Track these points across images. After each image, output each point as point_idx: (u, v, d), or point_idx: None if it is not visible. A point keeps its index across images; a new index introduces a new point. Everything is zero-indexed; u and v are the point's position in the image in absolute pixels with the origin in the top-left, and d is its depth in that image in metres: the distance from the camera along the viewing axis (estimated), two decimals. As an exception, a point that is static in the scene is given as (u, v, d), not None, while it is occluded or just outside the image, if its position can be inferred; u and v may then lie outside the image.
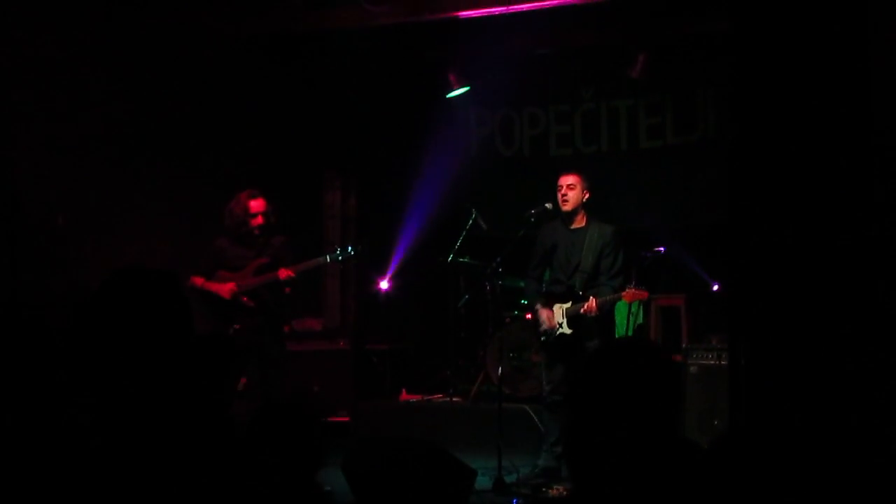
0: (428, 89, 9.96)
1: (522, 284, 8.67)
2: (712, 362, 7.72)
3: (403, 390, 9.38)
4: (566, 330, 6.87)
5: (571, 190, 6.92)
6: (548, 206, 7.05)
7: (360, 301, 10.18)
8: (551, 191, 7.13)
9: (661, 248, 8.40)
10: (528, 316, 8.77)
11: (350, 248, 7.26)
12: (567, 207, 6.94)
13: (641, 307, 8.92)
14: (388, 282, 9.96)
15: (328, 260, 7.31)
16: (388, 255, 9.98)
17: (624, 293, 6.77)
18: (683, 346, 8.32)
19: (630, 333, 8.63)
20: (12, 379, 3.21)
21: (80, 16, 7.83)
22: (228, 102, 9.10)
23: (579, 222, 6.99)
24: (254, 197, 7.01)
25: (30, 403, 2.30)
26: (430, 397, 9.25)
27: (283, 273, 6.92)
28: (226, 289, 6.95)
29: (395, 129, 10.15)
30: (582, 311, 6.77)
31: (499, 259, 7.43)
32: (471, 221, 9.10)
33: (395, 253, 9.96)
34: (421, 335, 10.21)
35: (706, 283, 8.91)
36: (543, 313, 7.01)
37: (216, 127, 9.04)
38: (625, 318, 8.59)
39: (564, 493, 6.56)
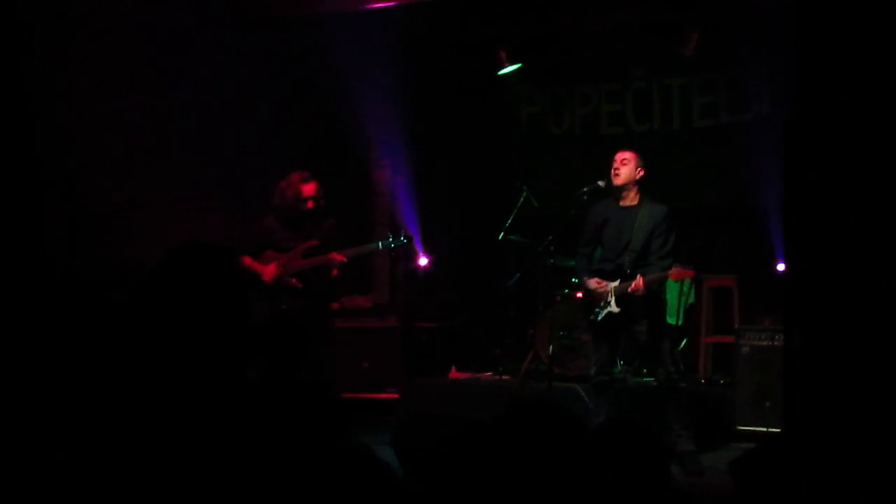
0: (479, 66, 9.93)
1: (573, 263, 8.66)
2: (765, 343, 7.67)
3: (453, 368, 9.38)
4: (614, 308, 6.82)
5: (625, 165, 6.85)
6: (600, 183, 7.00)
7: (410, 279, 10.20)
8: (603, 169, 7.08)
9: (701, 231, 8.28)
10: (579, 295, 8.74)
11: (402, 236, 7.27)
12: (618, 182, 6.88)
13: (693, 288, 8.85)
14: (426, 258, 9.92)
15: (380, 247, 7.34)
16: (436, 233, 9.96)
17: (670, 271, 6.71)
18: (735, 326, 8.26)
19: (681, 314, 8.56)
20: (75, 355, 3.26)
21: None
22: (279, 81, 9.13)
23: (631, 200, 6.91)
24: (306, 181, 6.99)
25: (92, 378, 2.33)
26: (479, 375, 9.24)
27: (335, 256, 6.92)
28: (269, 271, 6.95)
29: (445, 106, 10.12)
30: (629, 289, 6.72)
31: (550, 238, 7.40)
32: (521, 200, 9.07)
33: (438, 231, 9.91)
34: (471, 313, 10.19)
35: (759, 263, 8.80)
36: (592, 281, 6.95)
37: (267, 105, 9.07)
38: (676, 299, 8.52)
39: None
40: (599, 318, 6.88)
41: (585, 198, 7.07)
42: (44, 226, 7.12)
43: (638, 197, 6.91)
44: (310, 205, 6.99)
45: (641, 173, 6.88)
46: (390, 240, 7.25)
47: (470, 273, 10.27)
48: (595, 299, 6.92)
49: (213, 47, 8.57)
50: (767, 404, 7.43)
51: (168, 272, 2.30)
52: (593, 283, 6.93)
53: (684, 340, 8.80)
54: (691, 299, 8.86)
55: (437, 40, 9.63)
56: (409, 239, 7.32)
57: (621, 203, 6.93)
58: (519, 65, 9.74)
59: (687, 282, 8.46)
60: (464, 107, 10.16)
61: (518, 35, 9.60)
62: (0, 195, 6.69)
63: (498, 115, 10.47)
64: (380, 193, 10.38)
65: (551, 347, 7.54)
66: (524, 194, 9.07)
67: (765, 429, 7.34)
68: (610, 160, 7.01)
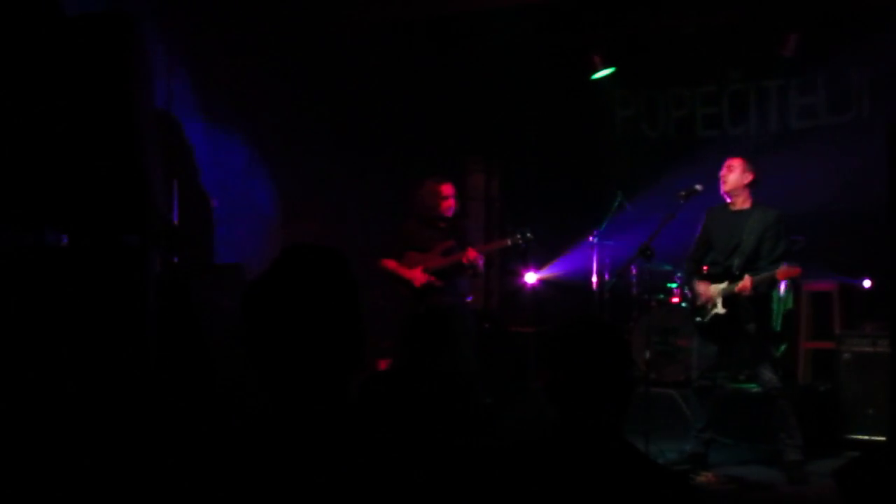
0: (572, 71, 9.90)
1: (668, 268, 8.58)
2: (867, 349, 7.50)
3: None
4: (720, 310, 6.75)
5: (731, 171, 6.78)
6: (698, 187, 6.92)
7: (505, 283, 10.19)
8: (698, 172, 7.00)
9: (800, 237, 8.06)
10: (675, 300, 8.66)
11: (528, 233, 7.50)
12: (725, 188, 6.81)
13: (791, 293, 8.70)
14: (537, 273, 9.87)
15: (511, 243, 7.60)
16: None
17: (778, 270, 6.59)
18: (836, 332, 8.10)
19: (780, 319, 8.42)
20: (180, 357, 3.33)
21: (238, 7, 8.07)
22: (374, 89, 9.21)
23: (742, 204, 6.81)
24: (444, 182, 7.39)
25: (204, 384, 2.36)
26: (574, 381, 9.18)
27: (472, 253, 7.25)
28: (417, 276, 7.32)
29: (539, 111, 10.11)
30: (736, 289, 6.64)
31: (645, 242, 7.33)
32: (616, 204, 9.00)
33: (551, 256, 9.83)
34: (565, 319, 10.13)
35: (857, 274, 8.59)
36: (700, 285, 6.91)
37: (363, 114, 9.17)
38: (774, 304, 8.37)
39: (713, 479, 6.48)
40: (706, 319, 6.82)
41: (682, 202, 7.00)
42: (146, 233, 7.29)
43: (750, 201, 6.81)
44: (451, 202, 7.39)
45: (750, 178, 6.77)
46: (519, 237, 7.50)
47: (565, 278, 10.21)
48: (702, 303, 6.87)
49: (310, 57, 8.69)
50: (871, 412, 7.28)
51: (280, 275, 2.28)
52: (702, 286, 6.88)
53: (783, 346, 8.66)
54: (790, 304, 8.71)
55: (531, 44, 9.61)
56: (533, 236, 7.54)
57: (732, 208, 6.85)
58: (613, 69, 9.69)
59: (785, 287, 8.33)
60: (558, 111, 10.14)
61: (612, 38, 9.55)
62: (101, 201, 6.85)
63: (592, 119, 10.42)
64: (475, 199, 10.41)
65: (647, 353, 7.48)
66: (619, 198, 9.01)
67: (868, 437, 7.20)
68: (705, 163, 6.95)
